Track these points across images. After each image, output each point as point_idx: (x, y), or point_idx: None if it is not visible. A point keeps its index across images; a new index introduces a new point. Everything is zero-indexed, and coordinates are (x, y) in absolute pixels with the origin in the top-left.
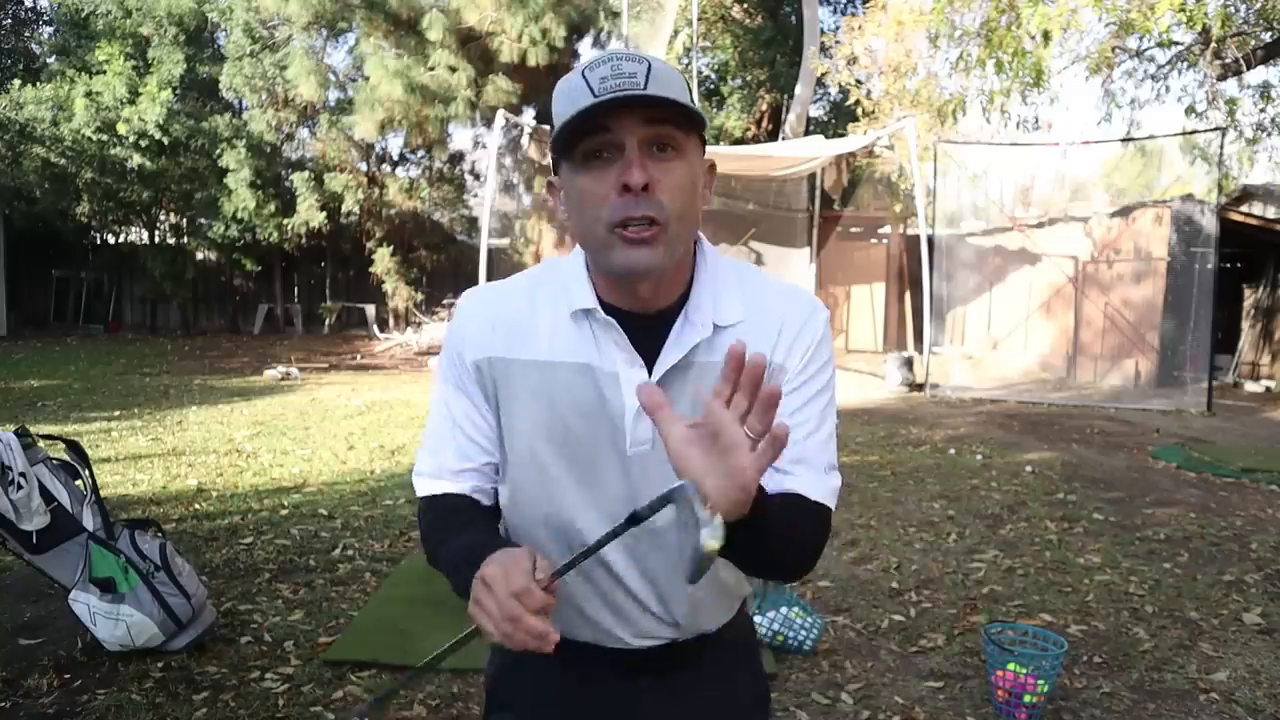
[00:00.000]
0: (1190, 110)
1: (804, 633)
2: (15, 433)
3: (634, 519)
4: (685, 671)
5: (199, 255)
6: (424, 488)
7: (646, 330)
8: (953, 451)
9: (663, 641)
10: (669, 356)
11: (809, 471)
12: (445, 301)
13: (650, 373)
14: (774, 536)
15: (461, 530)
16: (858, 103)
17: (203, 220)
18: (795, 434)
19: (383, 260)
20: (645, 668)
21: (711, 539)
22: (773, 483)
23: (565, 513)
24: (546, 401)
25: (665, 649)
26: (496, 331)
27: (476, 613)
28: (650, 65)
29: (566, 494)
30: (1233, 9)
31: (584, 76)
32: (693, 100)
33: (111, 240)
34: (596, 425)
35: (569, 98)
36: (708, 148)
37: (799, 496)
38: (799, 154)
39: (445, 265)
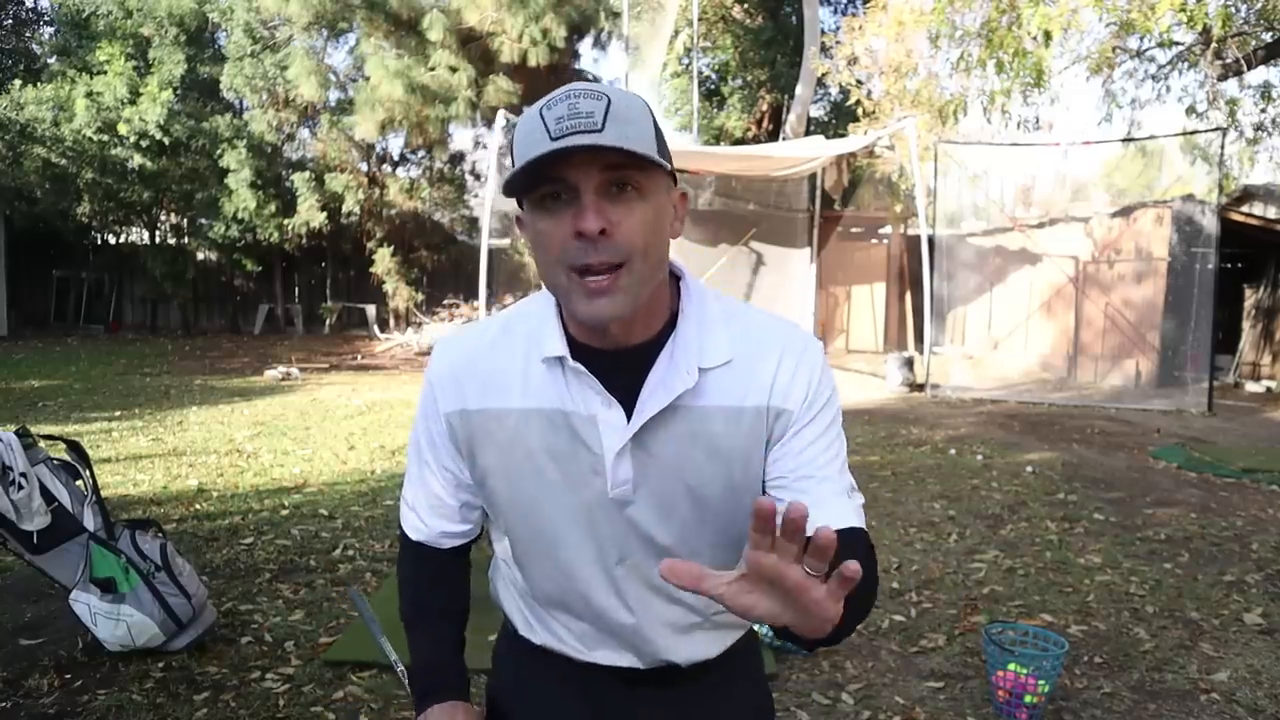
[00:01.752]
0: (1191, 110)
1: None
2: (16, 433)
3: None
4: (687, 685)
5: (199, 255)
6: (404, 519)
7: (622, 368)
8: (953, 452)
9: (662, 664)
10: (653, 403)
11: (837, 504)
12: (446, 302)
13: (630, 415)
14: (854, 613)
15: (427, 625)
16: (858, 103)
17: (203, 220)
18: (810, 468)
19: (383, 260)
20: (645, 682)
21: None
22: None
23: (560, 555)
24: (523, 450)
25: (666, 669)
26: (469, 383)
27: None
28: (609, 102)
29: (557, 536)
30: (1233, 9)
31: (541, 116)
32: (658, 130)
33: (112, 240)
34: (576, 470)
35: (524, 138)
36: (709, 149)
37: (842, 535)
38: (799, 154)
39: (446, 265)
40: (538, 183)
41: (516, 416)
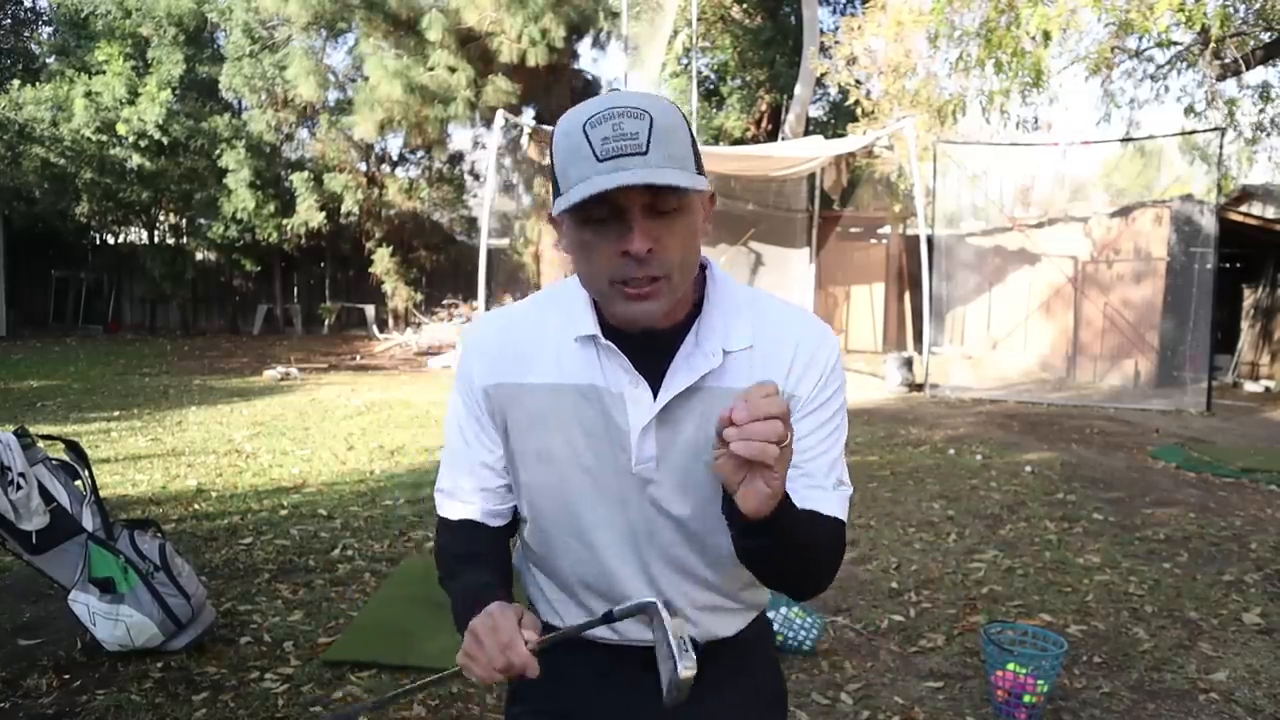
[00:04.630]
0: (1190, 110)
1: (804, 633)
2: (15, 433)
3: (608, 617)
4: (705, 669)
5: (198, 255)
6: (442, 507)
7: (652, 349)
8: (952, 451)
9: None
10: (678, 381)
11: (812, 488)
12: (445, 302)
13: (656, 394)
14: (793, 541)
15: (468, 569)
16: (857, 103)
17: (202, 220)
18: (804, 455)
19: (382, 260)
20: None
21: (687, 669)
22: None
23: (586, 530)
24: (556, 422)
25: None
26: (504, 357)
27: (465, 661)
28: (652, 121)
29: (584, 511)
30: (1232, 9)
31: (585, 133)
32: (694, 139)
33: (111, 240)
34: (604, 445)
35: (570, 153)
36: (708, 149)
37: (813, 511)
38: (799, 154)
39: (445, 265)
40: (585, 204)
41: (550, 391)
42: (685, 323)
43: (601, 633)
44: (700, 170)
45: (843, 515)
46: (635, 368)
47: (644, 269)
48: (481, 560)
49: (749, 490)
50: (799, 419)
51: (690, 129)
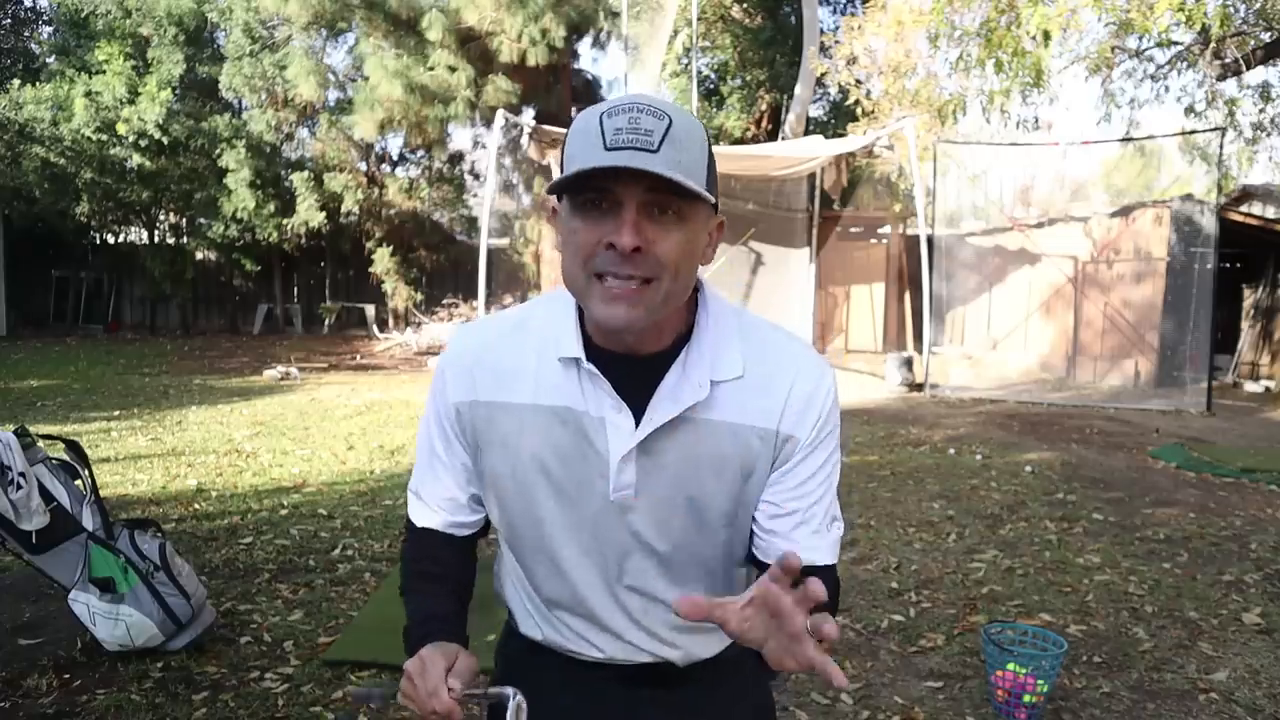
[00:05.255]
0: (1190, 110)
1: None
2: (15, 432)
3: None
4: (686, 685)
5: (198, 255)
6: (411, 508)
7: (636, 375)
8: (952, 451)
9: (661, 660)
10: (661, 412)
11: (813, 535)
12: (445, 301)
13: (638, 421)
14: None
15: (423, 590)
16: (857, 103)
17: (202, 220)
18: (804, 501)
19: (382, 260)
20: (644, 680)
21: None
22: (774, 549)
23: (557, 553)
24: (529, 445)
25: (664, 666)
26: (480, 374)
27: (404, 700)
28: (670, 123)
29: (556, 534)
30: (1232, 9)
31: (601, 122)
32: (710, 158)
33: (111, 240)
34: (581, 470)
35: (582, 140)
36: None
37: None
38: (799, 154)
39: (445, 265)
40: (584, 189)
41: (526, 412)
42: (674, 349)
43: (583, 648)
44: (713, 190)
45: (835, 560)
46: (619, 392)
47: (628, 268)
48: (439, 580)
49: (780, 658)
50: (798, 462)
51: (709, 149)
